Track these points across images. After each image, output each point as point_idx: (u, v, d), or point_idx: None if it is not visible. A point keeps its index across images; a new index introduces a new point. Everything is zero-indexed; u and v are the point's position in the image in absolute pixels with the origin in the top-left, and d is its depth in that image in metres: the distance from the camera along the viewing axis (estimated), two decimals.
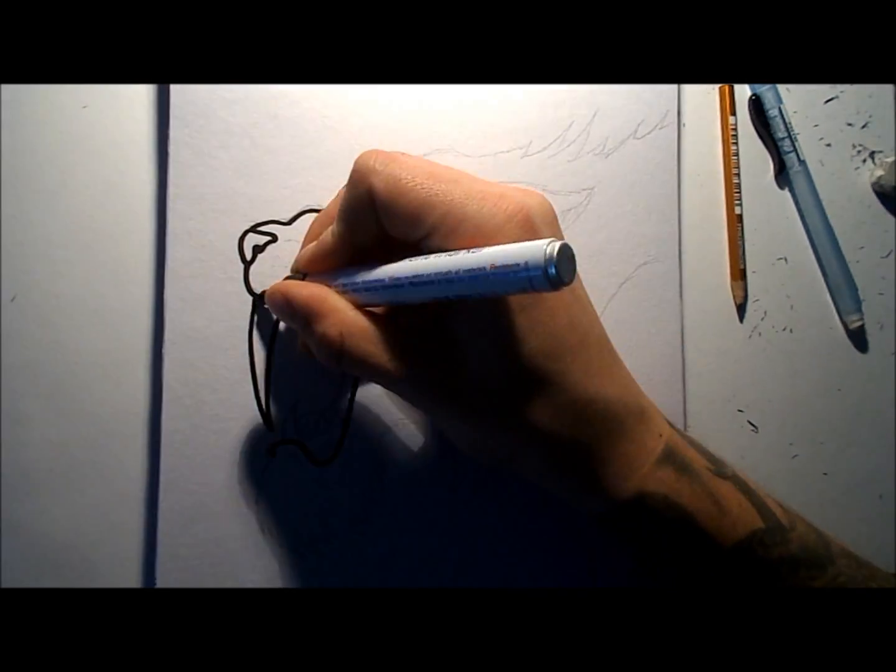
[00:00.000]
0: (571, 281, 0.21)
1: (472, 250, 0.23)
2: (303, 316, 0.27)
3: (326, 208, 0.30)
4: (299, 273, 0.29)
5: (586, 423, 0.26)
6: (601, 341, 0.27)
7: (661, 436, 0.27)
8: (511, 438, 0.26)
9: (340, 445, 0.31)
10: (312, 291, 0.27)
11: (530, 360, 0.25)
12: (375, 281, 0.26)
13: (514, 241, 0.23)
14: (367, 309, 0.27)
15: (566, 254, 0.21)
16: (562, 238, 0.26)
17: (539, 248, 0.21)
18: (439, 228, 0.24)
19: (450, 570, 0.32)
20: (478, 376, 0.25)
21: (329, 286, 0.27)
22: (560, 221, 0.33)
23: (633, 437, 0.27)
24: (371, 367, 0.26)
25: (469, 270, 0.22)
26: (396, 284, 0.25)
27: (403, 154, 0.26)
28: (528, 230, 0.24)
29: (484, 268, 0.22)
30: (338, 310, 0.26)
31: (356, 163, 0.26)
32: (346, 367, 0.26)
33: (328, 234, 0.28)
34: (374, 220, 0.26)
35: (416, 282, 0.24)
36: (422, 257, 0.24)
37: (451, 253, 0.24)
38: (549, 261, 0.21)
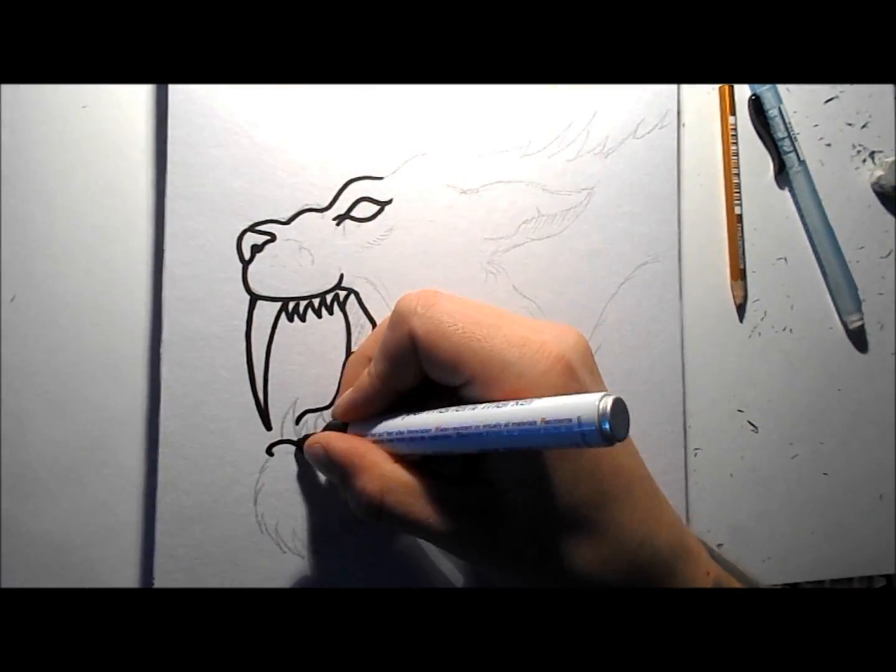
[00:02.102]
0: (626, 436, 0.21)
1: (521, 402, 0.22)
2: (341, 470, 0.27)
3: (360, 349, 0.31)
4: (338, 421, 0.29)
5: (637, 568, 0.25)
6: (645, 484, 0.27)
7: (708, 574, 0.27)
8: (558, 585, 0.26)
9: None
10: (351, 445, 0.27)
11: (576, 510, 0.25)
12: (420, 431, 0.25)
13: (555, 390, 0.23)
14: (406, 455, 0.27)
15: (619, 408, 0.20)
16: (600, 380, 0.26)
17: (591, 404, 0.20)
18: (480, 376, 0.24)
19: (449, 571, 0.32)
20: (521, 526, 0.25)
21: (367, 436, 0.27)
22: (560, 221, 0.34)
23: (682, 580, 0.26)
24: (413, 523, 0.25)
25: (519, 424, 0.22)
26: (443, 435, 0.24)
27: (445, 296, 0.27)
28: (571, 378, 0.24)
29: (535, 422, 0.22)
30: (377, 464, 0.26)
31: (398, 305, 0.27)
32: (387, 521, 0.26)
33: (366, 378, 0.28)
34: (415, 364, 0.26)
35: (464, 433, 0.24)
36: (468, 408, 0.24)
37: (500, 404, 0.23)
38: (602, 416, 0.20)
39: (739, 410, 0.37)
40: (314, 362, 0.31)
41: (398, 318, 0.26)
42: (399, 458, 0.26)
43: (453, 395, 0.26)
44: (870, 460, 0.38)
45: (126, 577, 0.30)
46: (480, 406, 0.24)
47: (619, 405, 0.20)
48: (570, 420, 0.21)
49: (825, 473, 0.37)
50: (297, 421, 0.31)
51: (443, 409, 0.25)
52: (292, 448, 0.31)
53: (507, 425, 0.22)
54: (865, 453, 0.38)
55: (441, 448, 0.25)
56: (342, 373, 0.31)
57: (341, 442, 0.27)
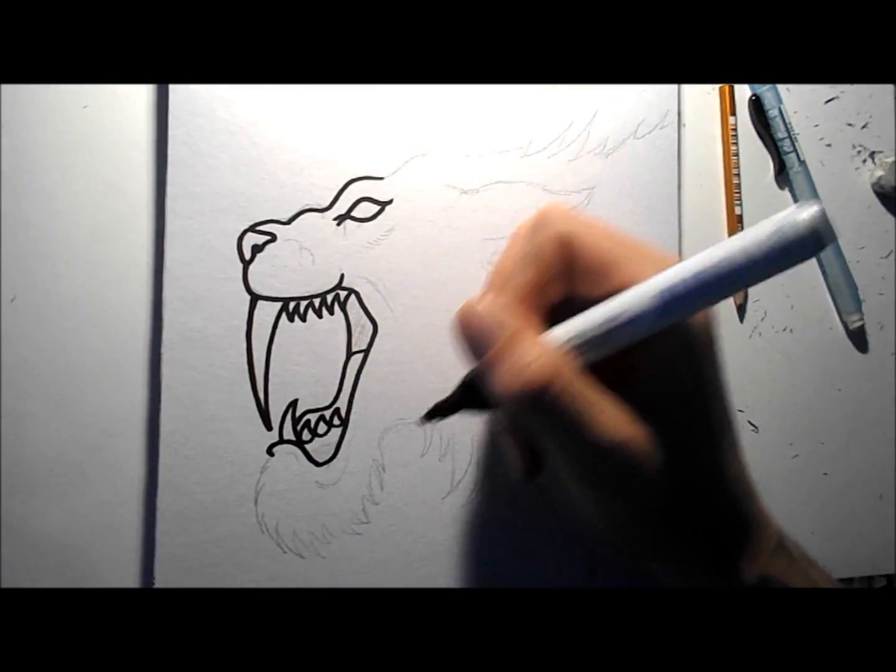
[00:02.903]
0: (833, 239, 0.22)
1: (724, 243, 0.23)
2: (513, 331, 0.23)
3: (500, 266, 0.27)
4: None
5: (729, 506, 0.26)
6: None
7: (771, 525, 0.28)
8: (665, 527, 0.26)
9: (339, 445, 0.31)
10: (520, 319, 0.24)
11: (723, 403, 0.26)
12: (640, 303, 0.23)
13: None
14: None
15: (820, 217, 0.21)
16: None
17: (799, 215, 0.21)
18: (640, 279, 0.24)
19: (449, 571, 0.32)
20: (675, 434, 0.25)
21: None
22: None
23: (758, 522, 0.27)
24: (575, 421, 0.23)
25: (738, 260, 0.22)
26: (673, 295, 0.23)
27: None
28: None
29: (753, 252, 0.22)
30: (543, 344, 0.24)
31: (544, 210, 0.26)
32: (543, 410, 0.23)
33: (514, 293, 0.25)
34: (563, 271, 0.25)
35: (703, 278, 0.23)
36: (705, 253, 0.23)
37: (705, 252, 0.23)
38: (816, 224, 0.21)
39: (739, 410, 0.37)
40: (315, 362, 0.31)
41: (546, 221, 0.25)
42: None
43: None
44: (870, 460, 0.38)
45: (126, 576, 0.30)
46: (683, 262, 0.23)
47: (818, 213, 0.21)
48: (787, 236, 0.21)
49: (825, 473, 0.37)
50: (298, 421, 0.31)
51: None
52: (292, 448, 0.31)
53: (725, 264, 0.22)
54: (865, 453, 0.38)
55: (660, 319, 0.23)
56: (343, 373, 0.31)
57: (514, 309, 0.24)
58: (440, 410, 0.27)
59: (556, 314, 0.25)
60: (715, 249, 0.23)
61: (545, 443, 0.25)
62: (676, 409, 0.25)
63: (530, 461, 0.28)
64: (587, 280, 0.25)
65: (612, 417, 0.23)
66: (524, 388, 0.22)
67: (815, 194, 0.37)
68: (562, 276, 0.25)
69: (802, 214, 0.22)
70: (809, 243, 0.21)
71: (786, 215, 0.22)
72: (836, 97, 0.39)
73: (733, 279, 0.23)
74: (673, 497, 0.25)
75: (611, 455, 0.23)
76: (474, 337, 0.24)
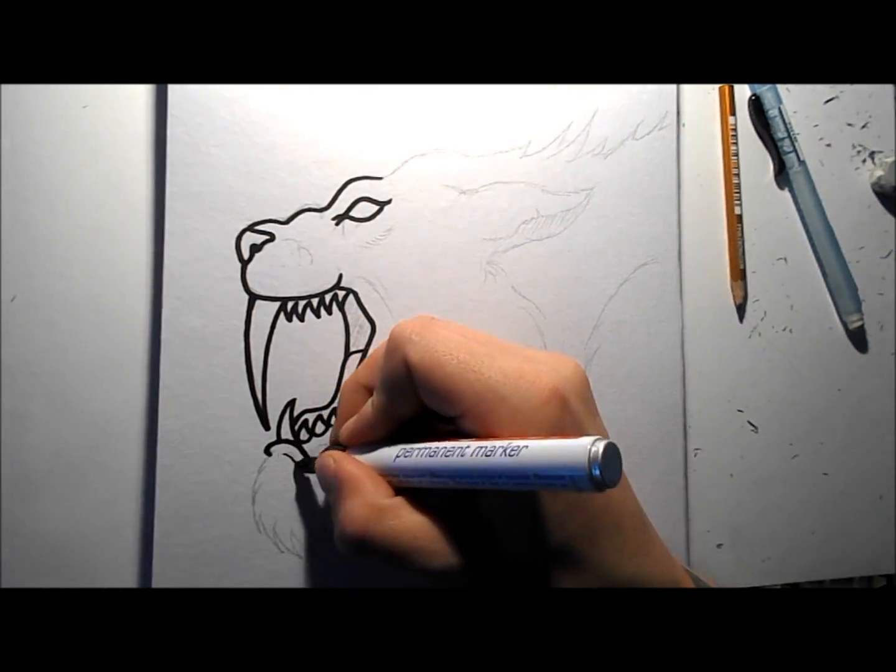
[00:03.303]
0: (618, 481, 0.21)
1: (512, 449, 0.22)
2: (337, 489, 0.27)
3: (354, 375, 0.30)
4: (339, 445, 0.29)
5: None
6: (636, 518, 0.27)
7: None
8: None
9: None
10: (352, 467, 0.27)
11: (566, 545, 0.25)
12: (416, 471, 0.25)
13: (550, 424, 0.23)
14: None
15: (611, 453, 0.21)
16: (595, 411, 0.27)
17: (582, 449, 0.20)
18: (474, 410, 0.24)
19: None
20: (511, 561, 0.25)
21: (365, 462, 0.27)
22: (559, 222, 0.34)
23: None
24: (398, 556, 0.25)
25: (511, 475, 0.22)
26: (438, 476, 0.25)
27: (440, 322, 0.27)
28: (565, 412, 0.24)
29: (527, 474, 0.22)
30: (368, 493, 0.26)
31: (392, 333, 0.26)
32: (368, 554, 0.25)
33: (368, 407, 0.28)
34: (414, 393, 0.26)
35: (458, 477, 0.24)
36: (459, 448, 0.24)
37: (490, 450, 0.23)
38: (593, 463, 0.20)
39: (739, 410, 0.37)
40: (313, 362, 0.31)
41: (393, 346, 0.26)
42: (395, 488, 0.26)
43: (451, 423, 0.26)
44: (870, 460, 0.37)
45: (125, 576, 0.30)
46: (470, 451, 0.24)
47: (610, 450, 0.21)
48: (560, 469, 0.21)
49: (825, 473, 0.37)
50: (296, 421, 0.31)
51: (434, 451, 0.25)
52: (290, 448, 0.31)
53: (500, 476, 0.22)
54: (865, 453, 0.38)
55: (432, 484, 0.25)
56: (341, 373, 0.31)
57: (348, 463, 0.27)
58: (301, 466, 0.31)
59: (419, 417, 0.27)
60: (493, 460, 0.23)
61: None
62: (511, 542, 0.25)
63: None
64: (432, 403, 0.26)
65: (430, 553, 0.25)
66: (342, 540, 0.26)
67: (815, 194, 0.37)
68: (414, 396, 0.26)
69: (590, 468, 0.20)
70: (587, 486, 0.21)
71: (572, 459, 0.21)
72: (836, 97, 0.38)
73: (499, 486, 0.23)
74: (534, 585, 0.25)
75: (438, 582, 0.25)
76: (323, 485, 0.29)
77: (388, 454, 0.27)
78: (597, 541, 0.25)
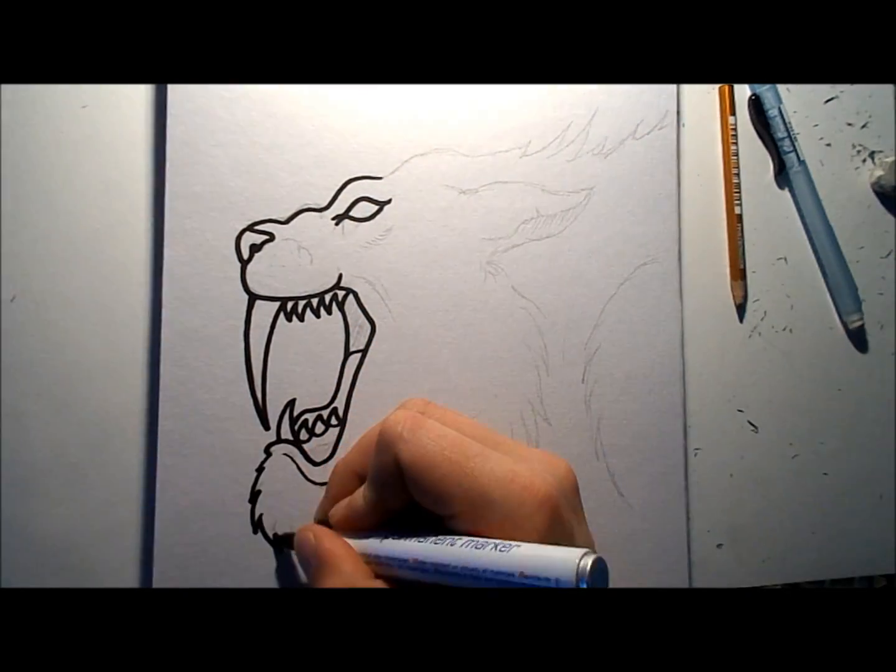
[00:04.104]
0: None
1: (501, 547, 0.23)
2: (315, 566, 0.27)
3: (344, 461, 0.30)
4: (324, 522, 0.29)
5: None
6: None
7: None
8: None
9: (337, 445, 0.31)
10: (335, 546, 0.27)
11: None
12: (398, 559, 0.26)
13: (539, 533, 0.24)
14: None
15: (599, 567, 0.21)
16: (583, 518, 0.27)
17: (571, 562, 0.21)
18: (465, 513, 0.25)
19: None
20: None
21: (350, 545, 0.28)
22: (559, 221, 0.34)
23: None
24: None
25: (497, 572, 0.22)
26: (420, 567, 0.25)
27: (433, 414, 0.27)
28: (556, 521, 0.25)
29: (513, 573, 0.22)
30: (346, 574, 0.26)
31: (383, 428, 0.26)
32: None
33: (359, 497, 0.28)
34: (404, 488, 0.26)
35: (441, 570, 0.24)
36: (448, 542, 0.24)
37: (480, 544, 0.23)
38: (580, 577, 0.21)
39: (739, 410, 0.37)
40: (312, 362, 0.31)
41: (384, 443, 0.26)
42: (377, 574, 0.27)
43: (440, 520, 0.26)
44: (870, 460, 0.37)
45: (125, 576, 0.30)
46: (460, 543, 0.24)
47: (598, 565, 0.21)
48: (547, 578, 0.22)
49: (825, 473, 0.37)
50: (295, 421, 0.31)
51: (422, 539, 0.25)
52: (290, 447, 0.31)
53: (484, 571, 0.23)
54: (865, 453, 0.37)
55: (417, 577, 0.25)
56: (341, 373, 0.31)
57: (328, 540, 0.27)
58: (282, 542, 0.30)
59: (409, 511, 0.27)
60: (482, 556, 0.23)
61: None
62: None
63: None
64: (423, 502, 0.26)
65: None
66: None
67: (815, 194, 0.37)
68: (404, 491, 0.26)
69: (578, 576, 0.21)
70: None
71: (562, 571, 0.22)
72: (836, 97, 0.38)
73: (484, 585, 0.23)
74: None
75: None
76: (301, 561, 0.29)
77: (374, 537, 0.27)
78: None
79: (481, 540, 0.24)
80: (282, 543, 0.30)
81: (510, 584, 0.22)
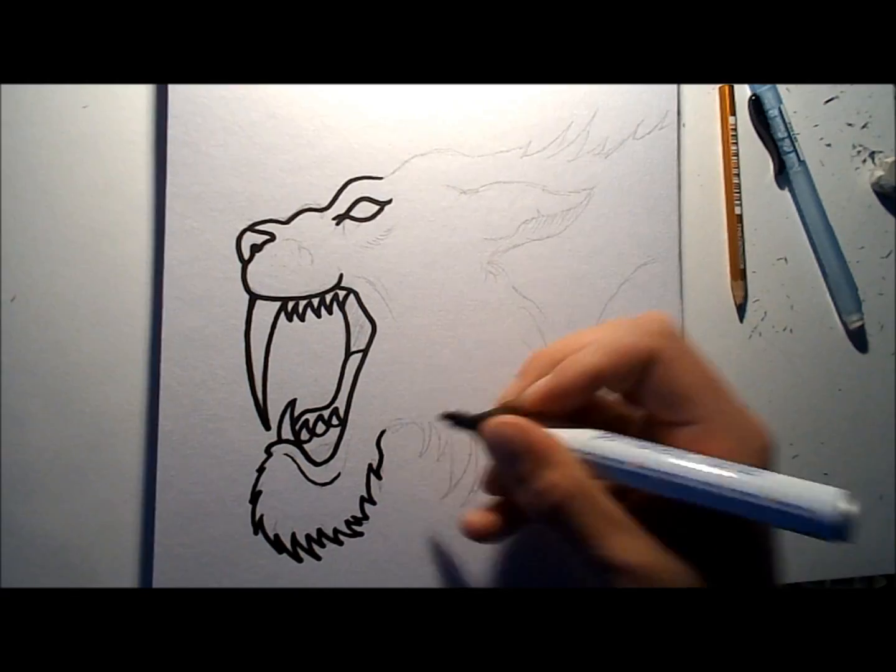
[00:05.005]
0: (846, 540, 0.20)
1: (749, 471, 0.22)
2: (534, 457, 0.25)
3: (550, 348, 0.28)
4: (511, 409, 0.27)
5: None
6: None
7: None
8: None
9: (338, 445, 0.31)
10: (548, 436, 0.25)
11: None
12: (615, 460, 0.24)
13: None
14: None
15: (853, 515, 0.20)
16: None
17: (832, 500, 0.20)
18: (708, 423, 0.24)
19: (447, 571, 0.32)
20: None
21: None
22: (560, 221, 0.34)
23: None
24: (585, 539, 0.24)
25: (746, 493, 0.21)
26: (642, 474, 0.23)
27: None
28: (769, 465, 0.24)
29: (761, 497, 0.21)
30: (572, 465, 0.24)
31: (649, 316, 0.26)
32: (556, 525, 0.24)
33: (573, 366, 0.26)
34: (635, 378, 0.25)
35: (670, 481, 0.23)
36: (677, 454, 0.23)
37: (719, 463, 0.22)
38: (844, 518, 0.20)
39: None
40: (313, 362, 0.31)
41: (647, 328, 0.25)
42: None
43: (625, 425, 0.25)
44: (870, 460, 0.37)
45: (125, 577, 0.30)
46: (694, 457, 0.23)
47: (853, 513, 0.20)
48: (802, 507, 0.20)
49: (825, 473, 0.37)
50: (296, 421, 0.31)
51: (642, 444, 0.24)
52: (291, 448, 0.31)
53: (731, 490, 0.21)
54: (865, 453, 0.38)
55: (632, 483, 0.24)
56: (341, 373, 0.31)
57: (538, 431, 0.25)
58: (458, 421, 0.28)
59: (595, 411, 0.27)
60: (737, 477, 0.22)
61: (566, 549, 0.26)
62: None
63: (504, 521, 0.28)
64: (656, 399, 0.25)
65: (628, 542, 0.24)
66: (541, 513, 0.24)
67: (815, 194, 0.37)
68: (631, 380, 0.25)
69: (839, 512, 0.20)
70: (827, 530, 0.20)
71: (829, 501, 0.20)
72: (836, 97, 0.38)
73: (716, 505, 0.22)
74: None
75: (622, 576, 0.24)
76: (499, 456, 0.26)
77: (581, 434, 0.25)
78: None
79: (717, 458, 0.22)
80: (458, 422, 0.28)
81: (754, 509, 0.21)
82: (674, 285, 0.35)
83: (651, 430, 0.25)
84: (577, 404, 0.26)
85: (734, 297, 0.37)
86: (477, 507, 0.29)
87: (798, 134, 0.38)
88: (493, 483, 0.29)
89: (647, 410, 0.26)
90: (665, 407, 0.25)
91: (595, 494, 0.24)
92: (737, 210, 0.37)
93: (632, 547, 0.24)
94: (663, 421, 0.25)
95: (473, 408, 0.33)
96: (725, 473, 0.22)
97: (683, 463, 0.23)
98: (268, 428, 0.31)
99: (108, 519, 0.31)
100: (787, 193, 0.38)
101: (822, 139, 0.38)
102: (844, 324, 0.38)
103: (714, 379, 0.25)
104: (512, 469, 0.25)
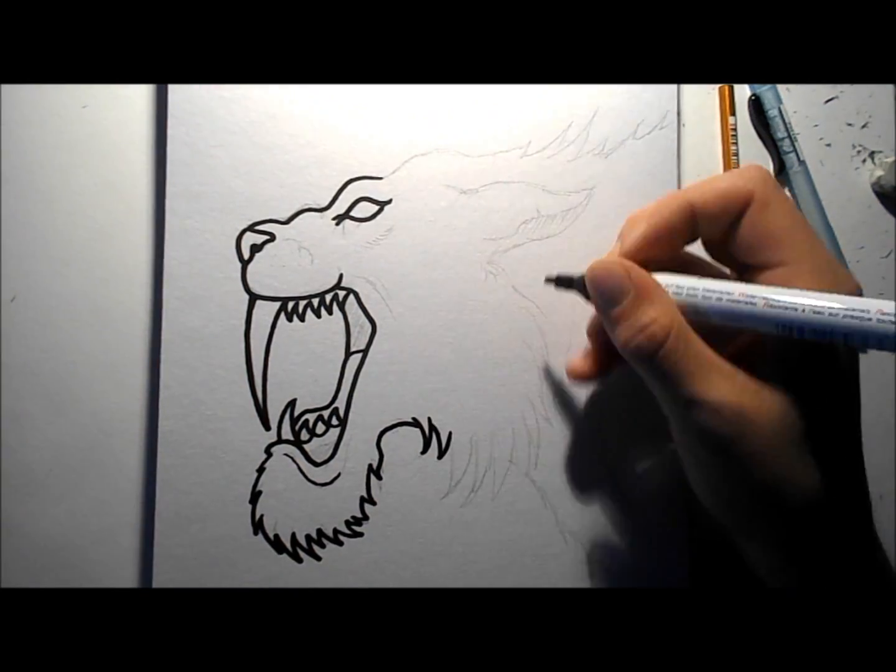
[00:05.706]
0: None
1: (853, 300, 0.23)
2: (636, 293, 0.26)
3: (641, 210, 0.29)
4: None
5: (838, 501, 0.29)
6: None
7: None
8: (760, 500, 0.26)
9: (338, 445, 0.31)
10: (648, 275, 0.26)
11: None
12: (719, 292, 0.25)
13: None
14: None
15: None
16: None
17: None
18: (800, 264, 0.25)
19: (447, 571, 0.32)
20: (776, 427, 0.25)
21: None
22: (560, 221, 0.34)
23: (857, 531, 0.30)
24: (681, 374, 0.25)
25: (854, 309, 0.22)
26: (748, 302, 0.24)
27: None
28: None
29: (870, 311, 0.22)
30: (671, 303, 0.26)
31: (749, 167, 0.27)
32: (656, 362, 0.25)
33: (672, 207, 0.27)
34: (730, 220, 0.26)
35: (779, 307, 0.24)
36: (774, 287, 0.24)
37: (825, 296, 0.23)
38: None
39: None
40: (313, 362, 0.31)
41: (744, 173, 0.27)
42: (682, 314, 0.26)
43: (704, 273, 0.26)
44: (870, 460, 0.37)
45: (125, 577, 0.30)
46: (793, 288, 0.24)
47: None
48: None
49: None
50: (296, 421, 0.31)
51: (734, 285, 0.25)
52: (291, 448, 0.31)
53: (843, 310, 0.23)
54: (865, 453, 0.37)
55: (722, 320, 0.25)
56: (341, 373, 0.31)
57: (640, 270, 0.26)
58: (562, 282, 0.30)
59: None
60: (835, 297, 0.23)
61: (658, 396, 0.27)
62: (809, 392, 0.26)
63: (597, 366, 0.30)
64: (751, 241, 0.26)
65: (720, 381, 0.25)
66: (639, 347, 0.25)
67: (815, 194, 0.37)
68: (725, 224, 0.26)
69: None
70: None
71: None
72: (836, 97, 0.38)
73: (821, 328, 0.23)
74: (775, 471, 0.25)
75: (711, 414, 0.25)
76: (602, 295, 0.27)
77: (682, 277, 0.26)
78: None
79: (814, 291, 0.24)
80: (561, 284, 0.30)
81: (866, 326, 0.22)
82: None
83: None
84: (676, 247, 0.27)
85: None
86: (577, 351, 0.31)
87: (798, 134, 0.38)
88: (594, 329, 0.31)
89: (737, 257, 0.27)
90: (758, 249, 0.26)
91: (691, 334, 0.25)
92: None
93: (723, 386, 0.25)
94: (754, 264, 0.26)
95: (473, 407, 0.33)
96: (831, 298, 0.23)
97: (788, 292, 0.24)
98: (268, 428, 0.31)
99: (108, 519, 0.31)
100: (786, 193, 0.38)
101: (821, 139, 0.38)
102: None
103: (807, 224, 0.26)
104: (613, 308, 0.26)
